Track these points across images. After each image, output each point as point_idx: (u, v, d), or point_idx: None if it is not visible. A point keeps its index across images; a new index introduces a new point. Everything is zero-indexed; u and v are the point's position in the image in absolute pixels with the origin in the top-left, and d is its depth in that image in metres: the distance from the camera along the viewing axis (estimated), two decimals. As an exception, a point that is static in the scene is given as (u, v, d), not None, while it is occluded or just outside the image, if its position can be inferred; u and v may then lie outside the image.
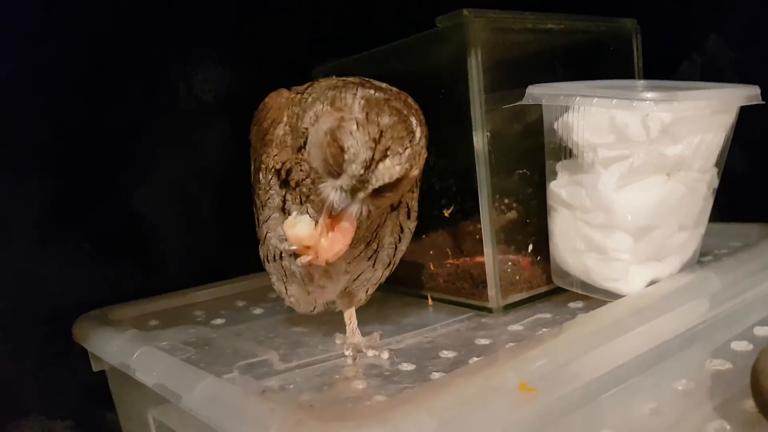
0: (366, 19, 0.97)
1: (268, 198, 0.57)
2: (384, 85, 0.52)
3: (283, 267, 0.59)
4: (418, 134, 0.48)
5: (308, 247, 0.51)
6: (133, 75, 0.83)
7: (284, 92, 0.58)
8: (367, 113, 0.47)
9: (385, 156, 0.46)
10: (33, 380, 0.78)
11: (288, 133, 0.54)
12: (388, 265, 0.61)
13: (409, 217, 0.59)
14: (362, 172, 0.46)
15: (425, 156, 0.50)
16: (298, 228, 0.50)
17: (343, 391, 0.50)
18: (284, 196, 0.55)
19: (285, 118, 0.55)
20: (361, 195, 0.48)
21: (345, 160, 0.47)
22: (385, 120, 0.47)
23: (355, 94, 0.49)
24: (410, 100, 0.51)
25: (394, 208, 0.56)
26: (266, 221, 0.58)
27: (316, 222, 0.51)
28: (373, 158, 0.46)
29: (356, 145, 0.46)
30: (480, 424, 0.39)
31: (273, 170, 0.55)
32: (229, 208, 0.90)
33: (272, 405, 0.43)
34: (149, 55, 0.84)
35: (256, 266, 0.68)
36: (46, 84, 0.76)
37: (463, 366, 0.48)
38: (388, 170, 0.47)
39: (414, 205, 0.59)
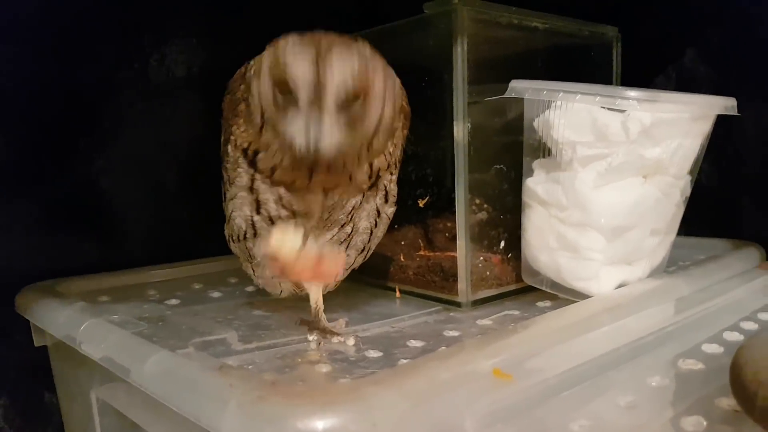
0: (350, 0, 0.96)
1: (237, 176, 0.54)
2: None
3: (247, 248, 0.57)
4: (367, 52, 0.46)
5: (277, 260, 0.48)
6: (106, 40, 0.79)
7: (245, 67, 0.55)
8: (300, 38, 0.45)
9: (331, 58, 0.43)
10: (-34, 353, 0.73)
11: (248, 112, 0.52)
12: (362, 251, 0.59)
13: (386, 201, 0.58)
14: (314, 77, 0.42)
15: (400, 86, 0.48)
16: (285, 243, 0.47)
17: (306, 373, 0.48)
18: (253, 176, 0.53)
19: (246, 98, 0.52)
20: (327, 115, 0.44)
21: (291, 77, 0.43)
22: (324, 38, 0.44)
23: (287, 38, 0.46)
24: None
25: (372, 183, 0.54)
26: (233, 199, 0.55)
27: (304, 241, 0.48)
28: (318, 55, 0.43)
29: (296, 59, 0.43)
30: (453, 407, 0.37)
31: (240, 148, 0.53)
32: (195, 188, 0.88)
33: (231, 380, 0.41)
34: (125, 21, 0.80)
35: (218, 250, 0.65)
36: (12, 36, 0.72)
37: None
38: (341, 72, 0.43)
39: (393, 188, 0.58)
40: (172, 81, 0.85)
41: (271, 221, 0.54)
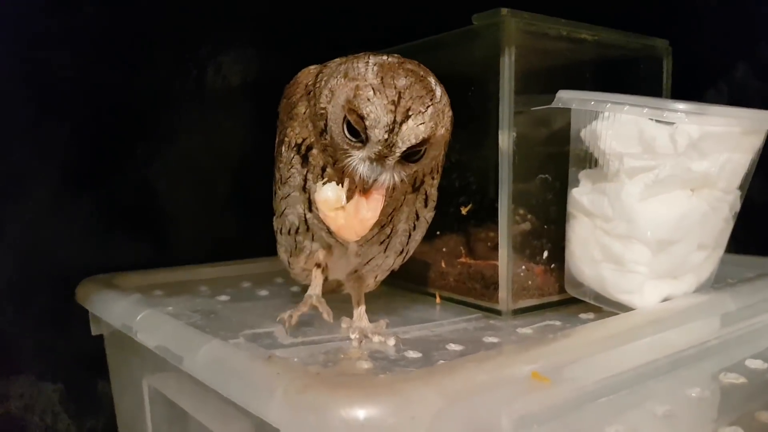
0: (400, 12, 0.98)
1: (290, 176, 0.56)
2: (395, 55, 0.52)
3: (295, 241, 0.59)
4: (438, 92, 0.48)
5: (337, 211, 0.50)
6: (165, 47, 0.83)
7: (313, 68, 0.58)
8: (381, 77, 0.47)
9: (407, 117, 0.46)
10: (29, 338, 0.77)
11: (308, 116, 0.54)
12: (401, 252, 0.61)
13: (426, 206, 0.59)
14: (386, 136, 0.46)
15: (451, 116, 0.49)
16: (326, 190, 0.50)
17: (348, 368, 0.50)
18: (305, 176, 0.55)
19: (305, 102, 0.55)
20: (389, 162, 0.47)
21: (367, 127, 0.46)
22: (402, 81, 0.47)
23: (367, 62, 0.48)
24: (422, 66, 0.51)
25: (414, 188, 0.56)
26: (286, 197, 0.58)
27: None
28: (395, 121, 0.45)
29: (375, 110, 0.46)
30: (489, 407, 0.38)
31: (295, 145, 0.55)
32: (245, 192, 0.91)
33: (278, 369, 0.43)
34: (183, 30, 0.85)
35: (266, 251, 0.68)
36: (77, 42, 0.77)
37: (472, 356, 0.48)
38: (413, 131, 0.46)
39: (433, 193, 0.59)
40: (227, 89, 0.88)
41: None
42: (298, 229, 0.58)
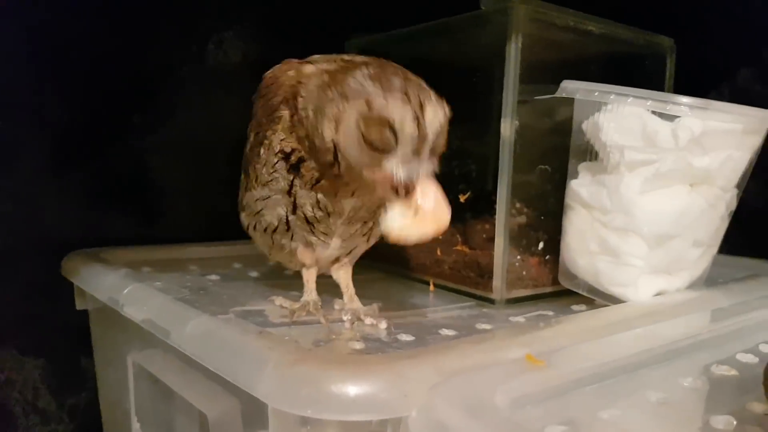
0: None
1: (271, 179, 0.55)
2: (347, 58, 0.52)
3: (272, 239, 0.58)
4: (422, 81, 0.49)
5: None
6: (167, 20, 0.82)
7: (292, 68, 0.55)
8: (380, 85, 0.47)
9: (422, 108, 0.46)
10: (12, 311, 0.76)
11: (299, 123, 0.52)
12: (380, 237, 0.61)
13: None
14: (417, 131, 0.46)
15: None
16: (394, 218, 0.49)
17: (340, 347, 0.49)
18: (292, 181, 0.54)
19: (288, 108, 0.53)
20: (424, 155, 0.47)
21: (396, 130, 0.46)
22: (397, 82, 0.47)
23: (355, 78, 0.48)
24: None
25: None
26: (264, 199, 0.56)
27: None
28: (415, 114, 0.46)
29: (398, 111, 0.46)
30: (483, 386, 0.37)
31: (280, 153, 0.53)
32: (240, 172, 0.89)
33: (269, 344, 0.42)
34: (185, 3, 0.83)
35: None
36: (78, 10, 0.75)
37: (466, 340, 0.47)
38: (435, 117, 0.47)
39: None
40: (228, 66, 0.87)
41: (307, 220, 0.55)
42: (276, 228, 0.57)
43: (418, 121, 0.46)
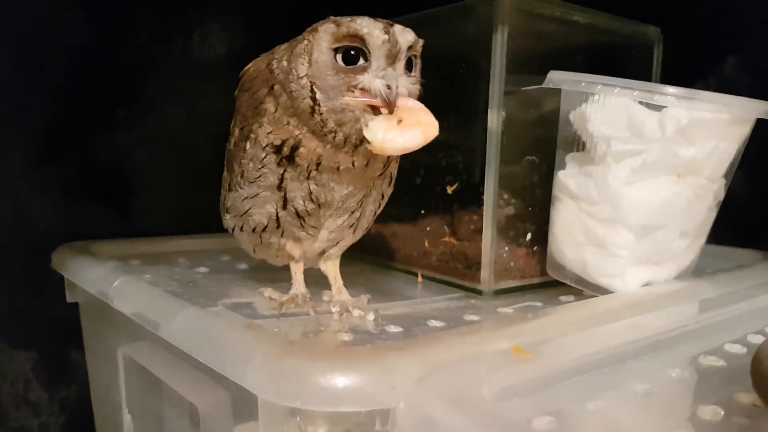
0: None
1: (260, 175, 0.54)
2: None
3: (261, 238, 0.58)
4: None
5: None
6: (151, 12, 0.81)
7: (264, 58, 0.55)
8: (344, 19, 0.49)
9: (391, 24, 0.48)
10: (3, 304, 0.75)
11: (284, 109, 0.51)
12: (366, 229, 0.61)
13: (390, 185, 0.59)
14: (386, 36, 0.47)
15: None
16: (375, 128, 0.48)
17: (328, 339, 0.49)
18: (282, 174, 0.53)
19: (272, 99, 0.52)
20: (399, 64, 0.48)
21: (366, 40, 0.47)
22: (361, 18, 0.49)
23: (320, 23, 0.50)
24: None
25: (380, 174, 0.55)
26: (253, 197, 0.55)
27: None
28: (384, 26, 0.47)
29: (365, 21, 0.47)
30: (470, 377, 0.38)
31: (269, 146, 0.52)
32: (227, 164, 0.89)
33: (258, 336, 0.42)
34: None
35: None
36: (60, 2, 0.74)
37: (454, 331, 0.47)
38: (403, 31, 0.48)
39: (395, 173, 0.59)
40: (213, 57, 0.87)
41: (297, 215, 0.55)
42: (265, 227, 0.56)
43: (387, 30, 0.47)
